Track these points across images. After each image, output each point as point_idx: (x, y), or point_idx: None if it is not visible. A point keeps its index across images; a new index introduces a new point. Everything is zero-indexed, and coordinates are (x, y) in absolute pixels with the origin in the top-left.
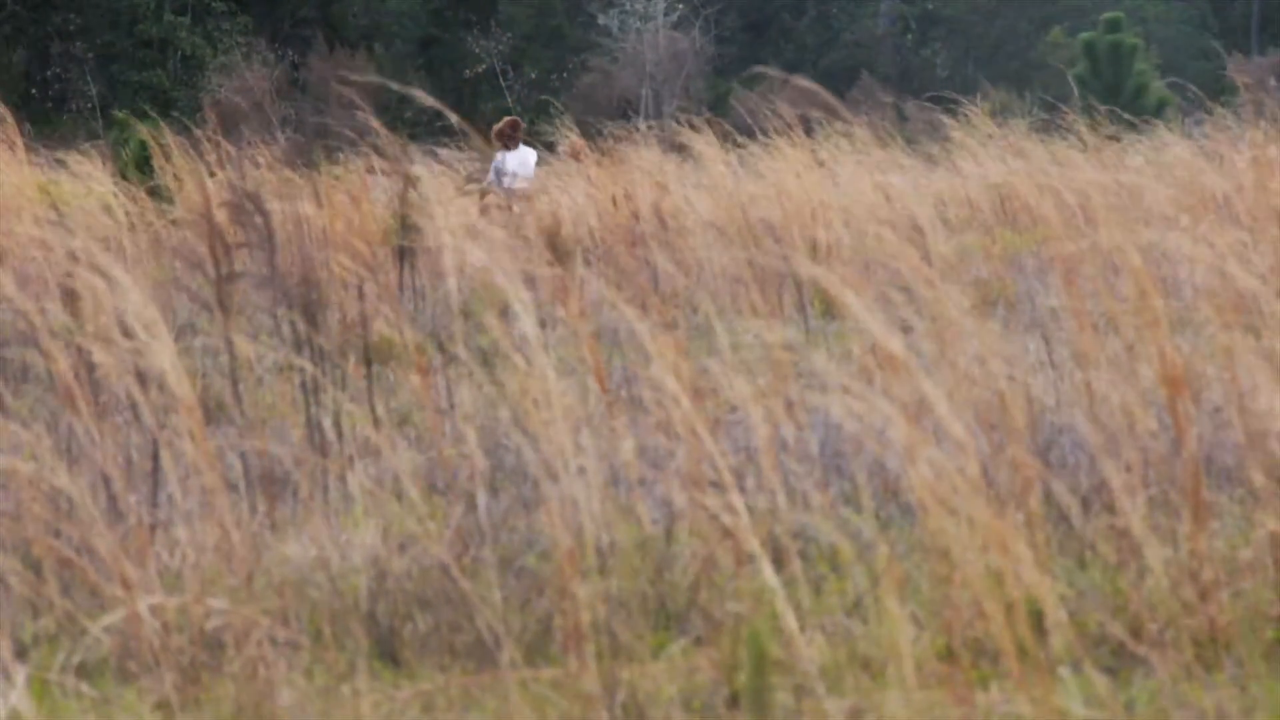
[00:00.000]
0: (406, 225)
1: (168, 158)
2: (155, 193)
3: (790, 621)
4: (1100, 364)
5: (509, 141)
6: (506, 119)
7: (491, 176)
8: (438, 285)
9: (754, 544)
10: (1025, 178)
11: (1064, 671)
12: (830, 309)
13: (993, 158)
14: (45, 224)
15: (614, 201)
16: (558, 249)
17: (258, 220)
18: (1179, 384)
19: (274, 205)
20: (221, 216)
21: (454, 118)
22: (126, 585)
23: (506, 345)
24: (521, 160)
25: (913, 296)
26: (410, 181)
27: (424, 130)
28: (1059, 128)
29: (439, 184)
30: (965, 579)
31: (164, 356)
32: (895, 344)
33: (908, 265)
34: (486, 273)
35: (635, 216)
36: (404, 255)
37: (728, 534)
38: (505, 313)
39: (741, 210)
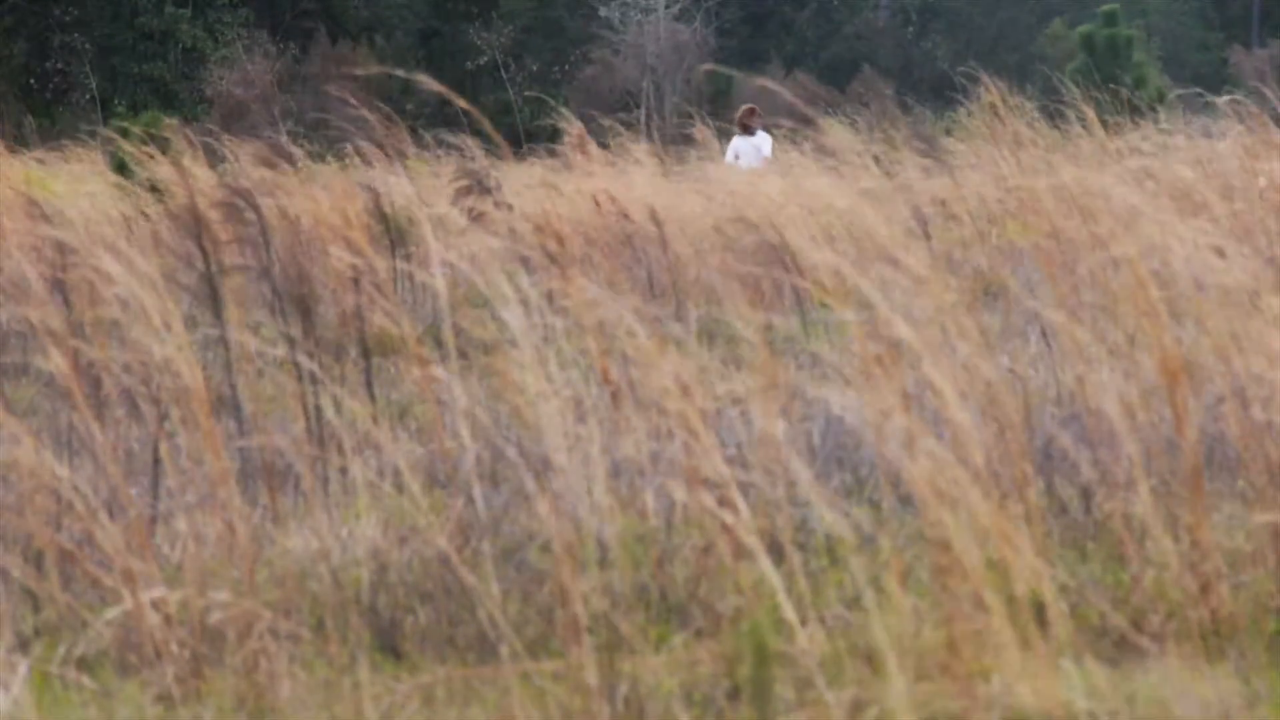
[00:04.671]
0: (390, 226)
1: (165, 152)
2: (155, 188)
3: (790, 614)
4: (1100, 355)
5: (747, 127)
6: (745, 106)
7: (730, 157)
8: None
9: (753, 538)
10: (1024, 171)
11: (1065, 663)
12: (826, 301)
13: (991, 152)
14: (44, 219)
15: (596, 202)
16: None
17: (249, 215)
18: (1179, 375)
19: (270, 200)
20: (215, 212)
21: (462, 104)
22: (128, 578)
23: (506, 338)
24: (758, 144)
25: (913, 288)
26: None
27: (426, 122)
28: (1062, 120)
29: (439, 181)
30: (966, 570)
31: (170, 348)
32: (902, 330)
33: (906, 257)
34: (484, 265)
35: (626, 216)
36: (396, 249)
37: (726, 528)
38: (505, 306)
39: (739, 204)
